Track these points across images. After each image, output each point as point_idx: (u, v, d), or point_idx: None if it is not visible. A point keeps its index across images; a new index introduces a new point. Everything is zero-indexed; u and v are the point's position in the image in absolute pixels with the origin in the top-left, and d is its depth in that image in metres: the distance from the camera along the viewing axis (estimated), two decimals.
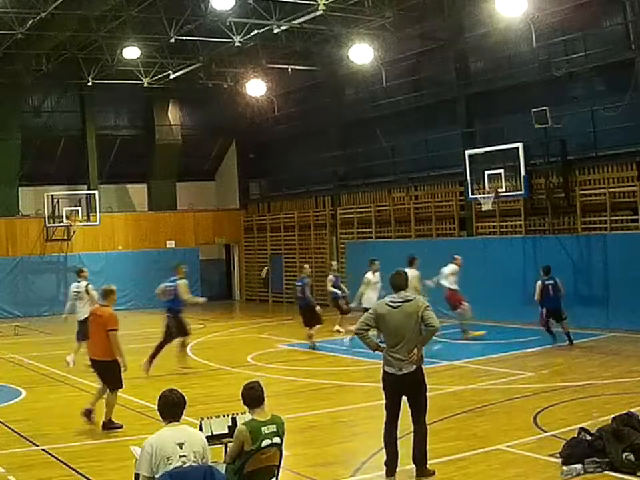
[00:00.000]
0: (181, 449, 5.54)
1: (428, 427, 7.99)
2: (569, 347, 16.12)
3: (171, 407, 5.75)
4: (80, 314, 15.41)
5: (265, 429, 6.35)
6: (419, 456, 7.88)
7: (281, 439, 6.46)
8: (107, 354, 10.60)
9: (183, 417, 5.82)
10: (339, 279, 19.85)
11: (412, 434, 7.94)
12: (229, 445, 6.78)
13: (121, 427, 10.57)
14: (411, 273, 14.43)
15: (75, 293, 15.84)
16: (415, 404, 7.91)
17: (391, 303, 7.89)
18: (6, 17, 20.03)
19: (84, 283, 15.84)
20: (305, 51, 25.07)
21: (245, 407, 6.62)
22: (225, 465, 6.45)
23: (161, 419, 5.81)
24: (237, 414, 7.15)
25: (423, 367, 7.97)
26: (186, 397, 5.86)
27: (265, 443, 6.29)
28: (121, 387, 10.86)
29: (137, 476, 5.88)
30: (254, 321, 23.57)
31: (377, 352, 8.05)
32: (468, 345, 17.13)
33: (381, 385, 8.08)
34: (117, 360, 10.58)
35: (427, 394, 8.04)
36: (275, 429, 6.40)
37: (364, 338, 7.96)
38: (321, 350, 17.23)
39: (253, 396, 6.52)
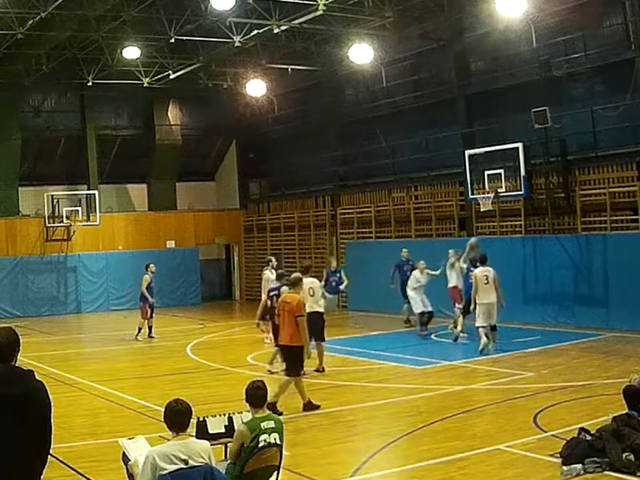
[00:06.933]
0: (186, 464, 5.44)
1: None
2: None
3: (176, 416, 5.62)
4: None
5: (264, 424, 6.39)
6: None
7: (281, 439, 6.47)
8: None
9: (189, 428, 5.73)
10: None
11: None
12: (228, 444, 6.79)
13: None
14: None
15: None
16: None
17: None
18: (6, 17, 20.02)
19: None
20: (305, 50, 25.05)
21: (247, 405, 6.63)
22: (227, 463, 6.46)
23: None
24: (234, 413, 7.15)
25: None
26: (192, 407, 5.75)
27: (263, 437, 6.31)
28: None
29: (130, 476, 5.90)
30: (254, 321, 23.51)
31: None
32: (468, 345, 17.12)
33: None
34: None
35: None
36: (273, 425, 6.43)
37: None
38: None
39: (257, 395, 6.55)
